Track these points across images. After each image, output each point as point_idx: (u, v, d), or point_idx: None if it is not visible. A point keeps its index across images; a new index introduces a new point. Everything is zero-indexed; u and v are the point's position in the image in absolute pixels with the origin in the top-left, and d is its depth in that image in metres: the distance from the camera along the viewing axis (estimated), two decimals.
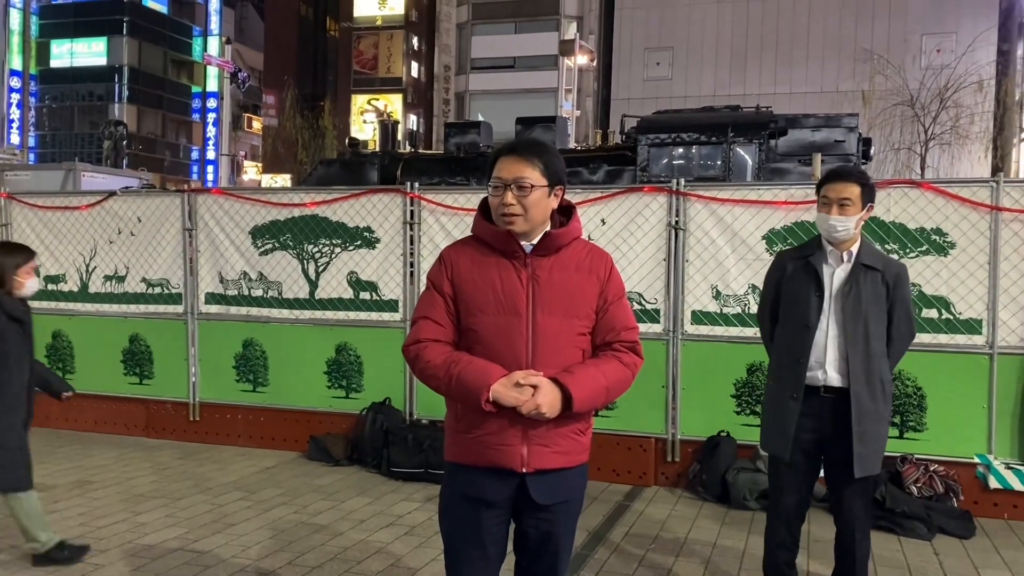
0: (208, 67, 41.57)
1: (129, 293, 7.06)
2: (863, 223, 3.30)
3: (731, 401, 5.62)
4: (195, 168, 49.28)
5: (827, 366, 3.20)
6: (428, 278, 2.55)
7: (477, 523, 2.47)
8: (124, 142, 19.28)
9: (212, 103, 47.80)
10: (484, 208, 2.55)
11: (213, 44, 46.98)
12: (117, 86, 46.56)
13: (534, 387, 2.34)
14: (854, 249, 3.26)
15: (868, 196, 3.25)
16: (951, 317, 5.25)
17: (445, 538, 2.59)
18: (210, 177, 45.09)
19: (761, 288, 3.55)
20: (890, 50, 27.55)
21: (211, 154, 47.85)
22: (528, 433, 2.39)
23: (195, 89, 50.04)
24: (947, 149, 24.30)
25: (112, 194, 7.17)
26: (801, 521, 3.40)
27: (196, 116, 50.19)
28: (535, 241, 2.46)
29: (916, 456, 5.23)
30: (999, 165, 26.60)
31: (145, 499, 5.31)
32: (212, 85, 47.17)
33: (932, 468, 5.16)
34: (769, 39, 33.05)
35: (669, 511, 5.23)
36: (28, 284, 4.20)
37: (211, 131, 47.98)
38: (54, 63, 47.30)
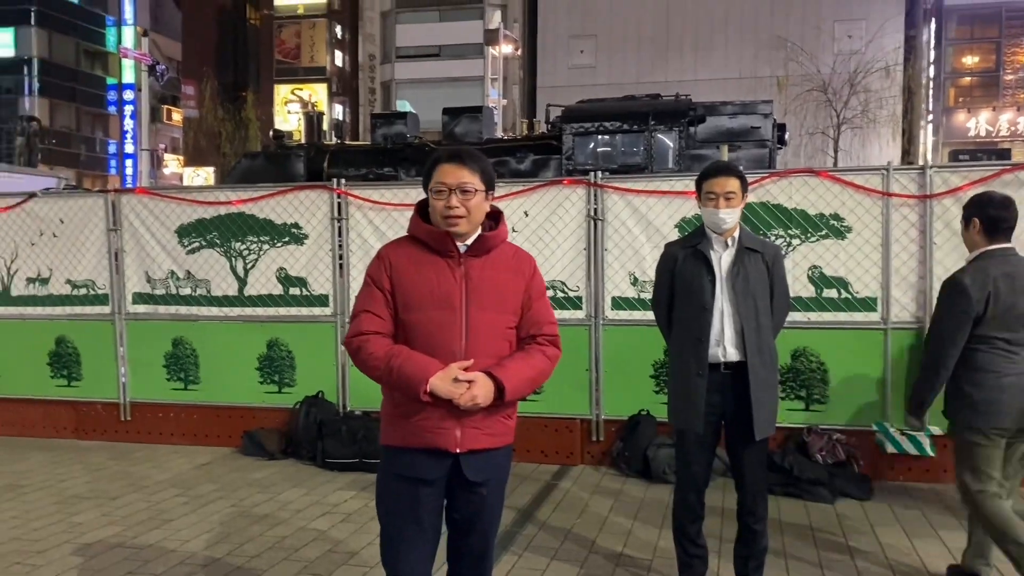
0: (124, 59, 40.28)
1: (54, 295, 7.00)
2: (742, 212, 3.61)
3: (650, 381, 5.93)
4: (113, 162, 47.74)
5: (725, 343, 3.49)
6: (368, 274, 2.73)
7: (415, 501, 2.68)
8: (37, 139, 18.69)
9: (129, 95, 46.21)
10: (421, 210, 2.75)
11: (128, 34, 45.45)
12: (27, 79, 44.72)
13: (470, 381, 2.58)
14: (736, 235, 3.56)
15: (745, 187, 3.56)
16: (849, 296, 5.65)
17: (383, 519, 2.78)
18: (129, 172, 43.77)
19: (657, 276, 3.79)
20: (804, 37, 28.53)
21: (129, 148, 46.39)
22: (462, 418, 2.62)
23: (110, 81, 48.37)
24: (858, 133, 25.36)
25: (32, 195, 7.09)
26: (706, 487, 3.70)
27: (112, 109, 48.52)
28: (469, 242, 2.70)
29: (820, 426, 5.62)
30: (907, 147, 27.89)
31: (80, 500, 5.35)
32: (128, 77, 45.62)
33: (835, 437, 5.55)
34: (689, 27, 33.82)
35: (594, 488, 5.52)
36: None
37: (128, 124, 46.42)
38: None
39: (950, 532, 4.61)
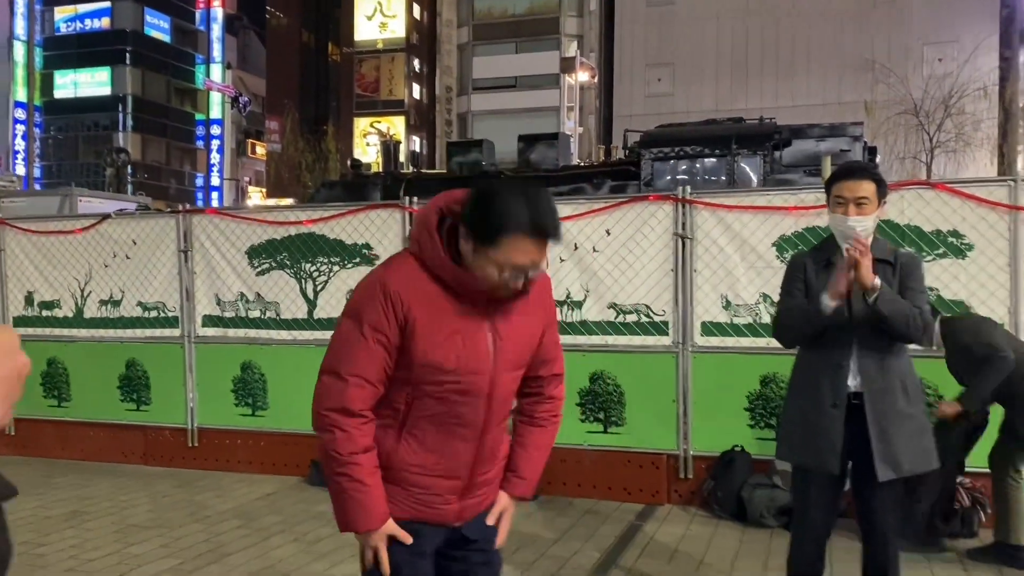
0: (211, 94, 41.80)
1: (125, 318, 6.91)
2: (878, 221, 3.13)
3: (745, 414, 5.42)
4: (200, 195, 49.43)
5: (852, 370, 3.04)
6: (361, 313, 1.99)
7: (413, 570, 2.17)
8: (126, 169, 19.24)
9: (215, 130, 48.00)
10: (441, 227, 2.01)
11: (215, 72, 47.26)
12: (121, 115, 46.83)
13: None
14: (852, 241, 3.08)
15: (883, 192, 3.08)
16: None
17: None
18: (215, 203, 45.19)
19: (785, 286, 3.28)
20: (891, 60, 27.48)
21: (215, 180, 48.03)
22: (465, 492, 2.14)
23: (198, 117, 50.30)
24: (953, 157, 24.15)
25: (106, 217, 7.05)
26: (828, 536, 3.21)
27: (200, 143, 50.43)
28: None
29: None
30: (1006, 171, 26.39)
31: (139, 529, 5.13)
32: (215, 112, 47.41)
33: (959, 480, 4.93)
34: (769, 52, 33.06)
35: (683, 531, 5.02)
36: None
37: (215, 158, 48.14)
38: (58, 94, 47.62)
39: None
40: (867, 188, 3.02)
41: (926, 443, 3.09)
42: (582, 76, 26.43)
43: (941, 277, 5.09)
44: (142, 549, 4.74)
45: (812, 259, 3.19)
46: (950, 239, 5.08)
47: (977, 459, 4.97)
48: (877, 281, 2.95)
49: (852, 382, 3.03)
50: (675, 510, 5.44)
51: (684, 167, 12.45)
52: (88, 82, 47.25)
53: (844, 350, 3.04)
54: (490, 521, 2.19)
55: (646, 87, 34.89)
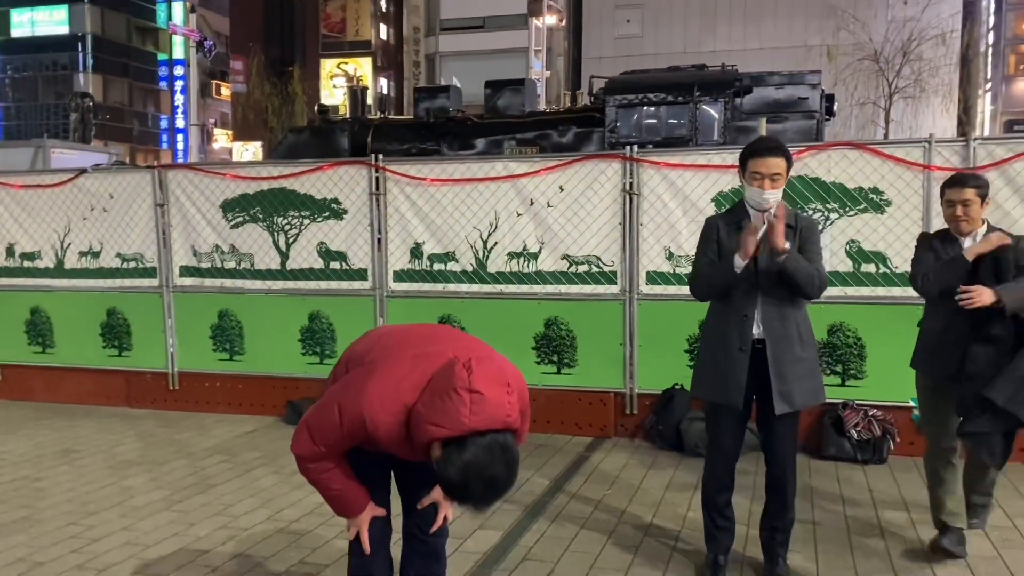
0: (173, 35, 40.96)
1: (105, 268, 7.23)
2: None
3: (684, 356, 5.94)
4: (164, 137, 48.71)
5: (756, 320, 3.53)
6: (344, 421, 2.50)
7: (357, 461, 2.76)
8: (91, 115, 19.13)
9: (179, 71, 46.99)
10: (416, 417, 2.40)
11: (177, 10, 46.08)
12: (81, 55, 45.81)
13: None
14: (773, 210, 3.53)
15: (790, 165, 3.52)
16: (888, 271, 5.58)
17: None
18: (180, 146, 44.59)
19: (701, 246, 3.71)
20: (856, 4, 27.69)
21: (180, 122, 47.27)
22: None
23: (161, 56, 49.21)
24: (911, 103, 24.65)
25: (83, 171, 7.31)
26: (736, 460, 3.73)
27: (163, 84, 49.43)
28: None
29: (856, 402, 5.59)
30: (963, 117, 26.96)
31: (130, 465, 5.57)
32: (179, 52, 46.35)
33: (871, 413, 5.52)
34: None
35: (626, 460, 5.57)
36: None
37: (179, 99, 47.27)
38: (15, 32, 46.37)
39: None
40: (780, 164, 3.46)
41: (816, 382, 3.61)
42: (550, 19, 26.40)
43: (862, 230, 5.59)
44: (134, 482, 5.20)
45: (724, 221, 3.65)
46: (871, 195, 5.57)
47: (885, 392, 5.56)
48: (788, 244, 3.42)
49: (756, 330, 3.52)
50: (621, 442, 5.99)
51: (648, 113, 12.79)
52: (46, 20, 46.01)
53: (750, 302, 3.52)
54: (420, 506, 2.79)
55: (615, 29, 34.77)
